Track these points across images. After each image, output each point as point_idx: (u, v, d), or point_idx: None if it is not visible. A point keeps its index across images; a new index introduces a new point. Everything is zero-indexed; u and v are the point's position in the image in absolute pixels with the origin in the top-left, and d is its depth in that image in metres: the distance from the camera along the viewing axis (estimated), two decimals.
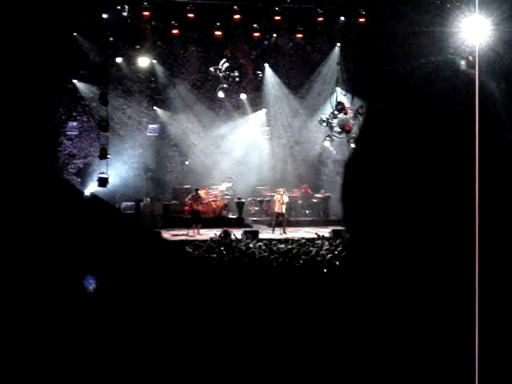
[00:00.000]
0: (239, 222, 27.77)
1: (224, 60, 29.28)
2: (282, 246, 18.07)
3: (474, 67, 2.18)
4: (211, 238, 20.59)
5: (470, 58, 23.42)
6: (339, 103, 29.65)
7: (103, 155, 26.45)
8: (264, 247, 17.64)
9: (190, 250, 16.56)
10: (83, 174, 29.02)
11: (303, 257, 15.58)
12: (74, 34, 27.17)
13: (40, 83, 25.60)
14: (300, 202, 29.90)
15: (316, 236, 21.84)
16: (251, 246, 18.12)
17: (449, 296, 2.26)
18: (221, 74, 29.33)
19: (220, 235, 21.62)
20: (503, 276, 2.17)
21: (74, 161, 29.17)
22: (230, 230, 22.36)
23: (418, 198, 2.06)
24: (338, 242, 20.34)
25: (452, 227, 2.04)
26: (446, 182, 2.02)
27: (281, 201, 26.06)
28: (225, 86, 29.47)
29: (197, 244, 18.20)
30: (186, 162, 30.56)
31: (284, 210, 26.14)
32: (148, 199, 28.41)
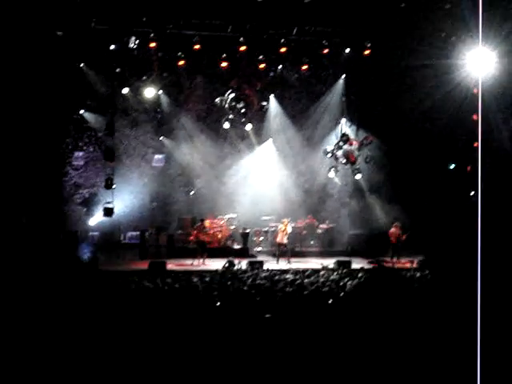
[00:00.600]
0: (244, 253, 27.73)
1: (230, 91, 29.46)
2: (288, 276, 18.04)
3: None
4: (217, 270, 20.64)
5: (475, 90, 23.58)
6: (344, 134, 29.83)
7: (109, 185, 26.54)
8: (269, 278, 17.61)
9: (197, 280, 16.56)
10: (89, 203, 29.06)
11: (309, 287, 15.57)
12: (81, 64, 27.32)
13: (47, 114, 25.83)
14: (305, 232, 29.87)
15: (321, 267, 21.82)
16: (255, 276, 18.11)
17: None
18: (226, 105, 29.48)
19: (224, 266, 21.62)
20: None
21: (80, 191, 29.23)
22: (234, 260, 22.35)
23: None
24: (342, 272, 20.33)
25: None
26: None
27: (285, 231, 26.08)
28: (230, 116, 29.62)
29: (202, 275, 18.17)
30: (192, 192, 30.58)
31: (286, 241, 26.13)
32: (153, 229, 28.40)
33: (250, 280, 17.17)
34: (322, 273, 19.79)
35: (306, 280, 17.46)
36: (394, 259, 26.17)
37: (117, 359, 10.10)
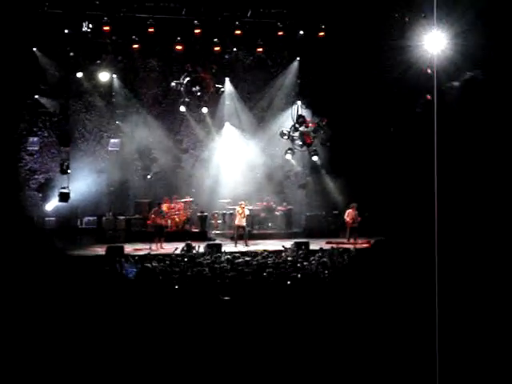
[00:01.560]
0: (202, 236, 27.77)
1: (185, 74, 29.37)
2: (246, 258, 18.15)
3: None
4: (174, 253, 20.65)
5: (429, 70, 23.86)
6: (300, 116, 29.88)
7: (64, 170, 26.29)
8: (227, 260, 17.71)
9: (155, 265, 16.58)
10: (45, 189, 28.79)
11: (267, 269, 15.70)
12: (34, 49, 26.99)
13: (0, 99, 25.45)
14: (263, 214, 30.00)
15: (282, 248, 22.00)
16: (214, 259, 18.20)
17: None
18: (182, 89, 29.41)
19: (183, 249, 21.63)
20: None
21: (35, 176, 28.93)
22: (192, 243, 22.37)
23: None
24: (300, 253, 20.51)
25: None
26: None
27: (242, 214, 26.17)
28: (186, 100, 29.56)
29: (160, 258, 18.20)
30: (148, 176, 30.47)
31: (245, 223, 26.24)
32: (110, 214, 28.28)
33: (208, 263, 17.27)
34: (281, 254, 19.98)
35: (263, 262, 17.60)
36: (351, 240, 26.44)
37: (84, 344, 10.12)
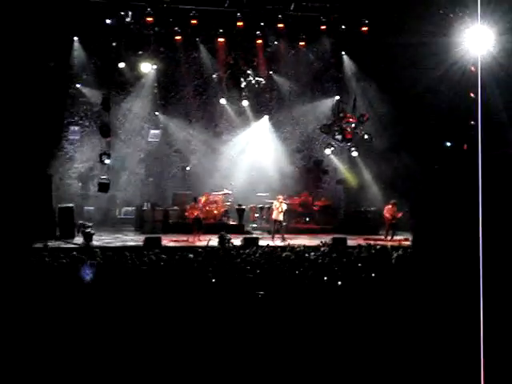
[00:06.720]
0: (239, 229, 27.76)
1: (226, 67, 29.37)
2: (283, 253, 18.05)
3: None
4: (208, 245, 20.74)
5: (473, 68, 23.50)
6: (341, 111, 29.70)
7: (103, 160, 26.41)
8: (264, 255, 17.64)
9: (191, 257, 16.58)
10: (84, 178, 29.04)
11: (304, 264, 15.59)
12: (76, 38, 27.19)
13: (43, 87, 25.61)
14: (300, 209, 29.90)
15: (320, 243, 21.85)
16: (250, 253, 18.14)
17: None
18: (223, 81, 29.43)
19: (219, 242, 21.68)
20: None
21: (76, 165, 29.22)
22: (229, 236, 22.34)
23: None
24: (337, 249, 20.35)
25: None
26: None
27: (279, 208, 26.06)
28: (227, 92, 29.57)
29: (198, 251, 18.18)
30: (187, 168, 30.55)
31: (282, 218, 26.14)
32: (148, 205, 28.40)
33: (245, 257, 17.21)
34: (318, 250, 19.83)
35: (300, 257, 17.49)
36: (389, 237, 26.24)
37: (115, 335, 10.14)
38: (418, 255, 16.18)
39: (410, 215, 26.57)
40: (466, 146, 27.71)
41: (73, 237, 24.94)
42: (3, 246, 16.82)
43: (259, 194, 30.02)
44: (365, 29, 28.22)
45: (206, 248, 19.65)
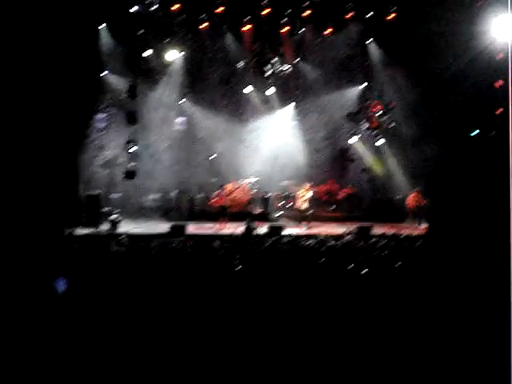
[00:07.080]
0: (264, 217, 27.81)
1: (252, 54, 29.35)
2: (308, 241, 18.05)
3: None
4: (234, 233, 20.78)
5: (500, 55, 23.29)
6: (368, 99, 29.60)
7: (130, 148, 26.53)
8: (290, 243, 17.65)
9: (217, 244, 16.63)
10: (111, 165, 29.19)
11: (330, 252, 15.59)
12: (103, 25, 27.24)
13: (70, 75, 25.71)
14: (325, 197, 29.86)
15: (345, 232, 21.83)
16: (276, 241, 18.16)
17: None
18: (249, 69, 29.42)
19: (244, 230, 21.74)
20: None
21: (102, 152, 29.36)
22: (254, 224, 22.41)
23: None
24: (363, 237, 20.30)
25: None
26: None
27: (305, 196, 26.07)
28: (253, 80, 29.56)
29: (223, 239, 18.23)
30: (213, 156, 30.61)
31: (307, 206, 26.13)
32: (175, 192, 28.54)
33: (270, 244, 17.24)
34: (344, 238, 19.81)
35: (325, 245, 17.50)
36: (415, 225, 26.14)
37: (138, 323, 10.22)
38: (431, 244, 16.12)
39: (429, 203, 26.48)
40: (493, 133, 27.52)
41: (99, 224, 25.10)
42: (33, 234, 16.95)
43: (285, 182, 30.02)
44: (392, 16, 28.06)
45: (232, 236, 19.72)
